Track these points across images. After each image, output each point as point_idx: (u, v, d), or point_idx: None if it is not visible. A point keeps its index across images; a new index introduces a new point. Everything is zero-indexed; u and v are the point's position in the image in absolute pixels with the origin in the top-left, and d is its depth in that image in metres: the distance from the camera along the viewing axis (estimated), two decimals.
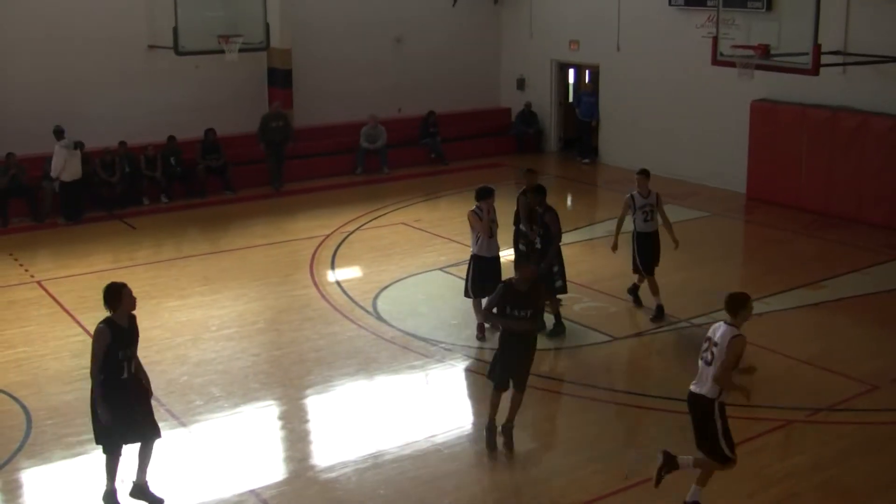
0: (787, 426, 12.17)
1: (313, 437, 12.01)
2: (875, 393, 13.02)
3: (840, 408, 12.60)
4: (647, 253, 15.34)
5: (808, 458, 11.33)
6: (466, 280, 14.78)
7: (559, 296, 14.93)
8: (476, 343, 14.60)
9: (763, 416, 12.27)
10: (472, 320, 14.98)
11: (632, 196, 15.23)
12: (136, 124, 23.55)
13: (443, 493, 10.54)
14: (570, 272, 16.76)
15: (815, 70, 18.19)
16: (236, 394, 12.87)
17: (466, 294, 14.83)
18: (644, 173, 15.41)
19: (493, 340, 13.95)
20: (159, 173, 23.11)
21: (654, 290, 15.36)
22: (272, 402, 12.86)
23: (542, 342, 14.32)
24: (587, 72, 28.94)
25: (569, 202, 24.31)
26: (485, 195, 14.56)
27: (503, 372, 11.31)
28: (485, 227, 14.40)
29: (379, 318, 15.58)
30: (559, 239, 14.67)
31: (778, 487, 10.65)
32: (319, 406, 12.82)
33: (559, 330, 14.82)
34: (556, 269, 14.67)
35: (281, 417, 12.50)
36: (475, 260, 14.60)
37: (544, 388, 13.11)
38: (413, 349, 14.34)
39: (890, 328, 15.57)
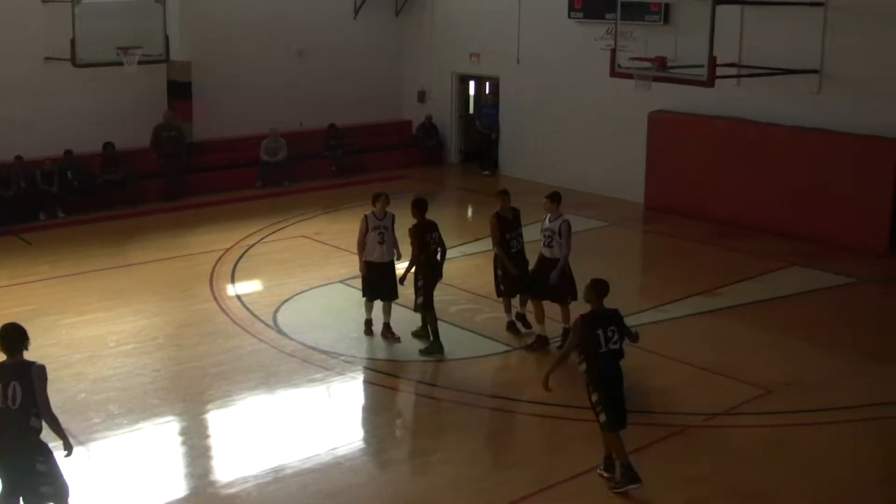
0: (684, 432, 12.36)
1: (214, 452, 11.93)
2: (770, 397, 13.32)
3: (736, 412, 12.86)
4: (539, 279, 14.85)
5: (705, 463, 11.54)
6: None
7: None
8: (376, 355, 14.67)
9: (661, 423, 12.49)
10: (375, 334, 15.20)
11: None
12: (33, 138, 23.12)
13: None
14: (473, 283, 16.96)
15: (710, 82, 18.54)
16: (135, 410, 12.72)
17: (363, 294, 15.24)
18: (550, 197, 14.74)
19: (388, 345, 14.11)
20: (56, 188, 22.76)
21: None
22: (172, 418, 12.75)
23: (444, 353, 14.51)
24: (487, 84, 29.14)
25: (469, 214, 24.50)
26: (377, 199, 14.94)
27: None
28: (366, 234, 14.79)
29: (279, 331, 15.54)
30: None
31: (679, 492, 10.84)
32: (220, 421, 12.73)
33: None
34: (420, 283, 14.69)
35: (181, 433, 12.40)
36: (366, 265, 14.89)
37: (447, 399, 13.21)
38: (314, 362, 14.32)
39: (783, 334, 15.93)
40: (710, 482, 11.08)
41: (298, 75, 27.61)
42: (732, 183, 22.01)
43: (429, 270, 14.61)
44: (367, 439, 12.30)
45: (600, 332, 10.51)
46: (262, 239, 20.86)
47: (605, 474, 10.88)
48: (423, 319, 14.86)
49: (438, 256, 14.76)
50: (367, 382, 13.98)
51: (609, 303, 10.80)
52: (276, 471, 11.16)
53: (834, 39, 20.53)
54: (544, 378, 11.00)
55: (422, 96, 29.82)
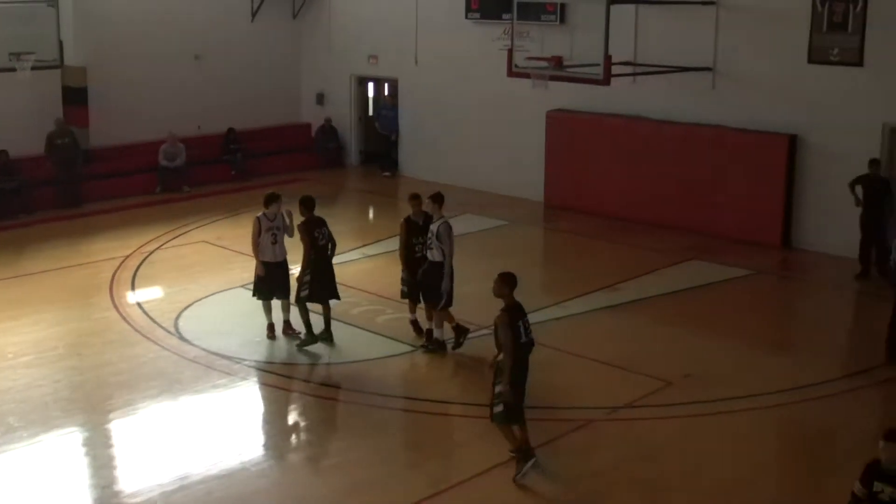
0: (588, 426, 12.54)
1: (118, 462, 11.79)
2: (670, 389, 13.59)
3: (638, 405, 13.10)
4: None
5: (609, 456, 11.73)
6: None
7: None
8: (279, 359, 14.67)
9: (564, 418, 12.69)
10: (277, 337, 15.23)
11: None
12: None
13: None
14: (374, 285, 17.01)
15: (606, 80, 18.79)
16: (36, 422, 12.51)
17: (254, 294, 15.43)
18: (432, 198, 14.68)
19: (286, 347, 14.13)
20: None
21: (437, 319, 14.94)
22: (74, 428, 12.57)
23: (347, 355, 14.56)
24: (386, 85, 29.17)
25: (371, 215, 24.53)
26: (270, 201, 15.01)
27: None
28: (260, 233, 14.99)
29: (181, 338, 15.41)
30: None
31: (581, 486, 11.02)
32: (123, 430, 12.60)
33: (325, 336, 15.04)
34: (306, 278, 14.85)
35: (84, 444, 12.24)
36: (263, 265, 15.06)
37: (351, 401, 13.24)
38: (217, 368, 14.23)
39: (682, 327, 16.23)
40: (614, 474, 11.26)
41: (196, 79, 27.38)
42: (630, 180, 22.36)
43: (318, 265, 14.76)
44: (272, 443, 12.28)
45: (520, 323, 10.84)
46: (163, 245, 20.66)
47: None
48: (326, 319, 14.99)
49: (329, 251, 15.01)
50: (271, 387, 13.93)
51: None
52: (181, 478, 11.08)
53: (726, 37, 20.97)
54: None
55: (321, 99, 29.74)
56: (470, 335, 14.82)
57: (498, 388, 10.86)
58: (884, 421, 12.73)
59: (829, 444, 12.32)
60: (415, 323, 15.29)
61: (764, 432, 12.52)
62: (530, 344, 11.04)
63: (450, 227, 14.44)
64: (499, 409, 10.88)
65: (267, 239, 14.97)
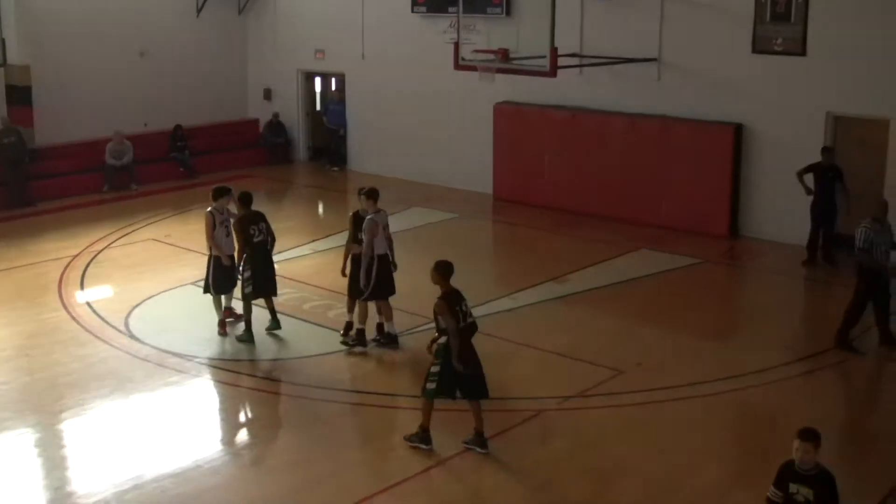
0: (540, 415, 12.63)
1: (70, 463, 11.72)
2: (621, 377, 13.72)
3: (590, 394, 13.22)
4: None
5: (562, 445, 11.86)
6: (207, 278, 15.25)
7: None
8: (230, 356, 14.65)
9: (517, 408, 12.77)
10: (229, 333, 15.18)
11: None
12: None
13: None
14: (324, 280, 17.00)
15: (553, 72, 18.85)
16: None
17: (206, 290, 15.35)
18: (367, 194, 14.62)
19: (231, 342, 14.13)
20: None
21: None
22: (25, 430, 12.46)
23: (299, 350, 14.56)
24: (334, 80, 29.14)
25: (320, 210, 24.51)
26: (219, 194, 15.11)
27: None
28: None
29: (132, 336, 15.34)
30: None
31: (535, 475, 11.10)
32: (75, 431, 12.51)
33: (273, 325, 15.20)
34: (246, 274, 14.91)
35: (36, 445, 12.14)
36: (229, 258, 15.08)
37: (303, 396, 13.25)
38: (169, 366, 14.19)
39: (631, 316, 16.37)
40: (566, 463, 11.38)
41: (141, 76, 27.20)
42: (577, 172, 22.49)
43: (257, 261, 14.87)
44: (225, 441, 12.28)
45: (458, 308, 11.17)
46: (111, 244, 20.52)
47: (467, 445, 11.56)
48: (271, 310, 15.19)
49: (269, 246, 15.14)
50: (223, 383, 13.90)
51: (462, 293, 11.12)
52: (134, 477, 11.04)
53: (671, 28, 21.14)
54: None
55: (268, 94, 29.66)
56: (420, 328, 14.85)
57: (433, 369, 11.33)
58: (827, 405, 12.98)
59: (776, 429, 12.47)
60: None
61: (713, 418, 12.67)
62: (471, 327, 11.42)
63: (375, 223, 14.28)
64: (430, 386, 11.35)
65: (222, 232, 15.03)
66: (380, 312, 14.89)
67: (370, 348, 14.75)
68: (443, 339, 11.23)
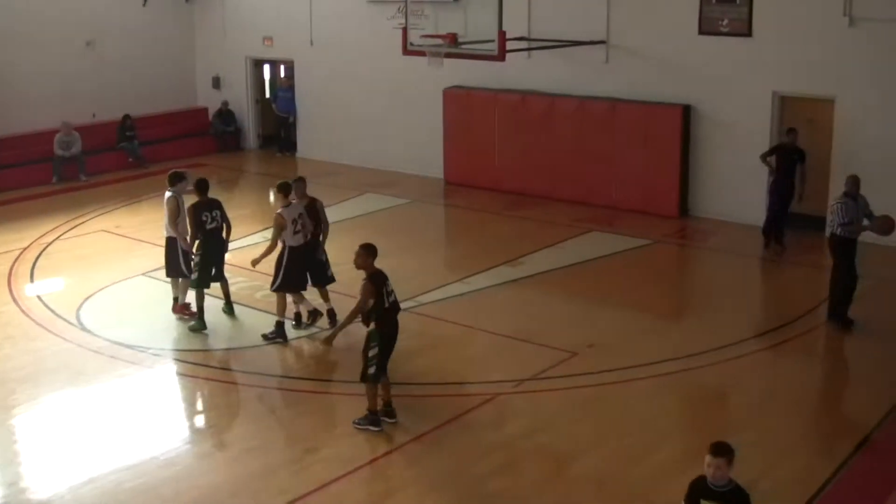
0: (495, 399, 12.68)
1: (23, 458, 11.61)
2: (574, 359, 13.80)
3: (544, 376, 13.28)
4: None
5: (518, 427, 11.91)
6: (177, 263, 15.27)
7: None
8: (184, 346, 14.62)
9: (472, 393, 12.84)
10: (180, 324, 15.18)
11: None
12: None
13: (163, 500, 10.46)
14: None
15: (501, 56, 18.84)
16: None
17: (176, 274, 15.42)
18: (278, 188, 14.87)
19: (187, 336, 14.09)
20: None
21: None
22: None
23: (252, 339, 14.54)
24: (283, 67, 29.03)
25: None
26: (176, 179, 15.17)
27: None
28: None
29: (84, 329, 15.23)
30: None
31: (491, 458, 11.14)
32: (28, 426, 12.39)
33: (226, 310, 15.36)
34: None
35: None
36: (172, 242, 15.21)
37: (258, 385, 13.23)
38: (122, 358, 14.10)
39: (583, 297, 16.47)
40: (522, 445, 11.44)
41: (88, 66, 26.97)
42: (527, 155, 22.57)
43: (208, 248, 14.94)
44: (180, 431, 12.21)
45: (382, 290, 11.54)
46: (61, 235, 20.35)
47: (372, 427, 11.79)
48: (225, 294, 15.41)
49: (224, 234, 15.27)
50: (177, 374, 13.86)
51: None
52: (89, 471, 10.98)
53: (618, 11, 21.24)
54: (330, 337, 12.27)
55: (217, 82, 29.49)
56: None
57: (371, 353, 11.60)
58: (776, 382, 13.13)
59: (728, 406, 12.68)
60: (331, 311, 15.21)
61: (667, 398, 12.79)
62: (395, 306, 11.80)
63: (282, 216, 14.49)
64: (372, 370, 11.63)
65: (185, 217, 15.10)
66: (326, 299, 15.02)
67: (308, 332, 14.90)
68: (372, 325, 11.62)
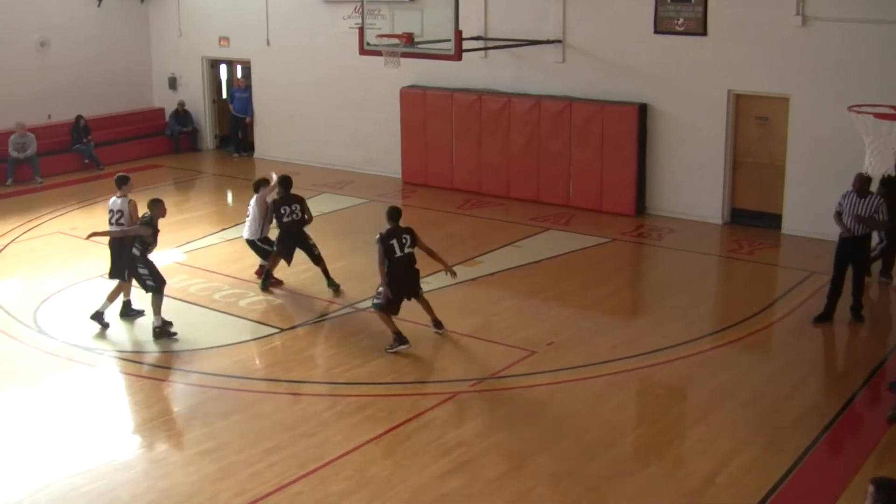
0: (454, 398, 12.71)
1: None
2: (533, 357, 13.86)
3: (502, 375, 13.34)
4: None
5: (476, 426, 11.93)
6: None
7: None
8: (141, 348, 14.57)
9: (431, 392, 12.88)
10: (146, 324, 15.10)
11: None
12: None
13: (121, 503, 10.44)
14: (234, 268, 16.93)
15: (457, 55, 18.90)
16: None
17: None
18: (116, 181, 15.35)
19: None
20: None
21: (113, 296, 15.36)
22: None
23: (211, 340, 14.49)
24: (239, 67, 28.94)
25: (229, 199, 24.35)
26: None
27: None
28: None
29: (41, 331, 15.14)
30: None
31: (450, 457, 11.14)
32: None
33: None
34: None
35: None
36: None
37: (216, 386, 13.18)
38: (79, 360, 14.03)
39: (541, 295, 16.52)
40: (481, 443, 11.44)
41: (42, 67, 26.80)
42: (484, 154, 22.65)
43: (284, 237, 16.27)
44: (138, 433, 12.14)
45: (394, 241, 13.77)
46: (17, 238, 20.20)
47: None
48: (327, 276, 16.36)
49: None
50: (135, 376, 13.79)
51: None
52: (46, 475, 10.91)
53: (574, 10, 21.33)
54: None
55: (173, 83, 29.38)
56: (334, 313, 14.96)
57: (380, 289, 13.85)
58: (731, 379, 13.20)
59: (685, 402, 12.76)
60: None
61: (624, 394, 12.85)
62: (408, 257, 14.01)
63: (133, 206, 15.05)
64: (378, 301, 13.97)
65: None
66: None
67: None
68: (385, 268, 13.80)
